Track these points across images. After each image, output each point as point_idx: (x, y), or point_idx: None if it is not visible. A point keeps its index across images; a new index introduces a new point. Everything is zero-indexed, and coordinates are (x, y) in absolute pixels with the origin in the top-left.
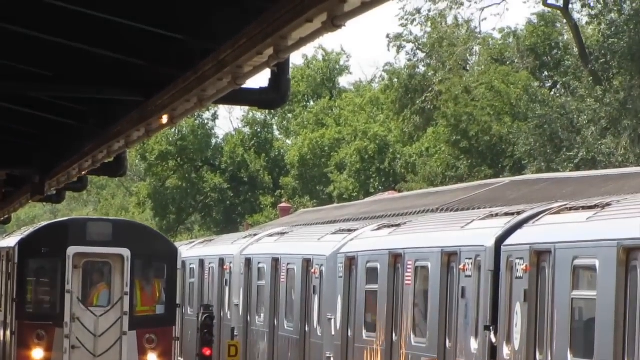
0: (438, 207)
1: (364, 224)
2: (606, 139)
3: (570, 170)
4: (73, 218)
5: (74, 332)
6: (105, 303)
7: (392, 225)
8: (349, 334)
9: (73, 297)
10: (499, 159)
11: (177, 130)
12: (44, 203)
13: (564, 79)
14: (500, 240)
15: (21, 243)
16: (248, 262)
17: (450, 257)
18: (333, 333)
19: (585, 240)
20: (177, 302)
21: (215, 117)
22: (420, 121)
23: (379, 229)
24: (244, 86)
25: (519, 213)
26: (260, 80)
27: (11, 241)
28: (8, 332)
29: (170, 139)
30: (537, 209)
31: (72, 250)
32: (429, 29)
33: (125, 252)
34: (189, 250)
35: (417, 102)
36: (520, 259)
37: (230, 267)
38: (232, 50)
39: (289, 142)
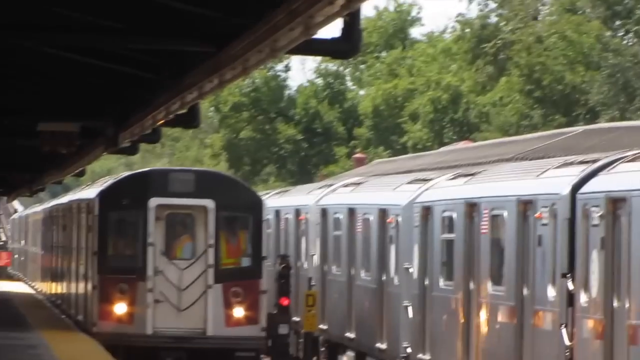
0: (512, 156)
1: (439, 174)
2: None
3: None
4: (155, 169)
5: (157, 286)
6: (189, 255)
7: (468, 175)
8: (426, 283)
9: (156, 250)
10: (572, 107)
11: (250, 82)
12: (118, 155)
13: (635, 28)
14: (576, 189)
15: (102, 195)
16: (324, 212)
17: (526, 206)
18: (410, 282)
19: None
20: (263, 254)
21: (287, 68)
22: (493, 71)
23: (454, 178)
24: (315, 36)
25: (593, 161)
26: (332, 30)
27: (91, 193)
28: (90, 286)
29: (244, 90)
30: (612, 157)
31: (154, 201)
32: None
33: (209, 204)
34: (265, 201)
35: (489, 50)
36: (596, 206)
37: (306, 218)
38: (304, 0)
39: (362, 92)
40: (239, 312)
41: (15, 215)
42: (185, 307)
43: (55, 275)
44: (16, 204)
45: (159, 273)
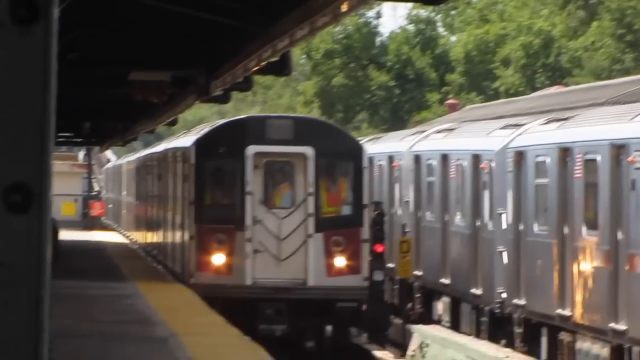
0: (605, 101)
1: (531, 119)
2: None
3: None
4: (252, 115)
5: (256, 236)
6: (289, 204)
7: (560, 119)
8: (520, 228)
9: (254, 199)
10: None
11: (342, 29)
12: (210, 104)
13: None
14: None
15: (198, 143)
16: (417, 159)
17: (619, 150)
18: (504, 227)
19: None
20: (364, 202)
21: (379, 15)
22: (585, 15)
23: (547, 123)
24: None
25: None
26: None
27: (186, 141)
28: (187, 237)
29: (336, 37)
30: None
31: (251, 149)
32: None
33: (309, 151)
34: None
35: None
36: None
37: (400, 165)
38: None
39: (453, 38)
40: (340, 261)
41: (108, 165)
42: (285, 257)
43: (149, 225)
44: (109, 153)
45: (257, 222)
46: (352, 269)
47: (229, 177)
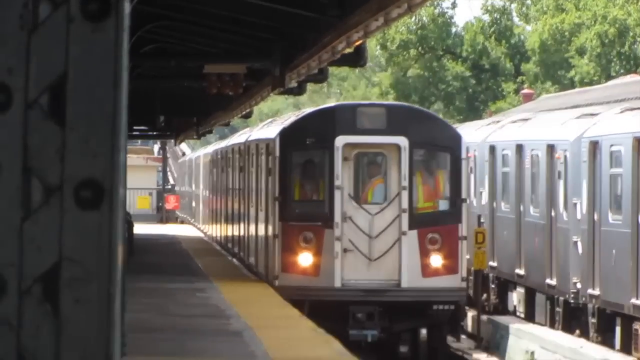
0: None
1: (606, 108)
2: None
3: None
4: (341, 103)
5: (345, 234)
6: (381, 199)
7: (636, 109)
8: (595, 218)
9: (344, 194)
10: None
11: (417, 19)
12: (286, 96)
13: None
14: None
15: (283, 134)
16: (492, 149)
17: None
18: (579, 217)
19: None
20: (463, 196)
21: (454, 5)
22: None
23: (622, 112)
24: None
25: None
26: None
27: (270, 132)
28: (270, 235)
29: (411, 27)
30: None
31: (341, 140)
32: None
33: (403, 141)
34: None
35: None
36: None
37: (475, 155)
38: None
39: (528, 28)
40: (436, 260)
41: (184, 158)
42: (377, 256)
43: (228, 221)
44: (184, 146)
45: (347, 219)
46: (449, 269)
47: (317, 170)
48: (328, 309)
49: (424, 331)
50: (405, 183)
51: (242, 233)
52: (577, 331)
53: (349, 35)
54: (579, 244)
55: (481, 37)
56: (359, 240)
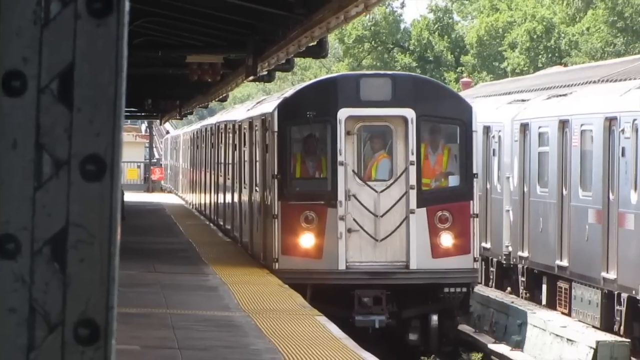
0: (599, 79)
1: (535, 95)
2: None
3: None
4: (344, 74)
5: (350, 213)
6: (387, 176)
7: (560, 95)
8: (525, 190)
9: (347, 170)
10: None
11: (371, 17)
12: (257, 82)
13: None
14: None
15: (281, 107)
16: None
17: (611, 122)
18: (511, 189)
19: None
20: (474, 170)
21: (403, 5)
22: (582, 4)
23: (548, 98)
24: None
25: None
26: None
27: (267, 107)
28: (269, 215)
29: (365, 24)
30: None
31: (343, 113)
32: None
33: (409, 113)
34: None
35: None
36: None
37: None
38: None
39: (467, 25)
40: (447, 240)
41: (172, 134)
42: (384, 236)
43: (222, 201)
44: (167, 125)
45: (351, 197)
46: (461, 249)
47: (319, 145)
48: (332, 293)
49: (434, 317)
50: (413, 158)
51: (237, 215)
52: (509, 288)
53: (313, 30)
54: (511, 213)
55: (426, 32)
56: (364, 219)
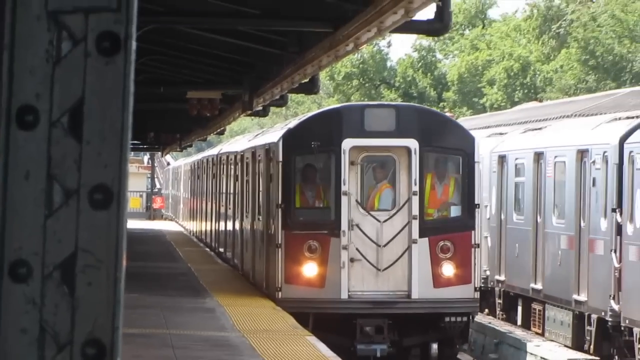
0: (572, 113)
1: (512, 129)
2: None
3: None
4: (348, 104)
5: (352, 242)
6: (389, 206)
7: (535, 129)
8: (502, 218)
9: (351, 200)
10: (620, 73)
11: (359, 56)
12: (252, 117)
13: None
14: (624, 139)
15: (286, 137)
16: None
17: (582, 154)
18: (488, 217)
19: None
20: (476, 201)
21: (389, 44)
22: (556, 44)
23: (524, 132)
24: (414, 18)
25: (637, 117)
26: (427, 13)
27: (271, 137)
28: (273, 245)
29: (354, 62)
30: None
31: (348, 143)
32: None
33: (413, 144)
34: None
35: (553, 28)
36: None
37: None
38: None
39: (448, 62)
40: (448, 270)
41: (173, 165)
42: (386, 266)
43: (223, 230)
44: (168, 157)
45: (354, 227)
46: (462, 279)
47: (323, 175)
48: (334, 322)
49: (434, 346)
50: (416, 188)
51: (240, 245)
52: (486, 310)
53: (305, 68)
54: (489, 239)
55: (411, 70)
56: (367, 249)
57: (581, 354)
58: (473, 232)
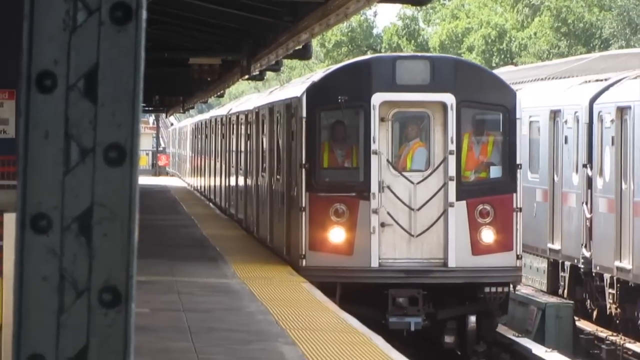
0: (545, 77)
1: None
2: None
3: None
4: (377, 56)
5: (383, 206)
6: (423, 166)
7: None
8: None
9: (381, 160)
10: (590, 39)
11: (348, 24)
12: (249, 81)
13: None
14: (593, 100)
15: (310, 91)
16: None
17: (555, 114)
18: None
19: None
20: (518, 161)
21: (375, 13)
22: (530, 12)
23: None
24: None
25: (606, 79)
26: None
27: (293, 91)
28: (296, 208)
29: (343, 30)
30: (620, 75)
31: (378, 97)
32: None
33: (449, 99)
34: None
35: None
36: (608, 113)
37: None
38: None
39: (430, 30)
40: (488, 236)
41: (184, 123)
42: (421, 231)
43: (235, 191)
44: (171, 118)
45: (385, 189)
46: (503, 246)
47: (350, 133)
48: (364, 293)
49: (472, 319)
50: (453, 147)
51: (259, 209)
52: None
53: (299, 36)
54: None
55: (396, 37)
56: (399, 213)
57: (556, 298)
58: (515, 194)
